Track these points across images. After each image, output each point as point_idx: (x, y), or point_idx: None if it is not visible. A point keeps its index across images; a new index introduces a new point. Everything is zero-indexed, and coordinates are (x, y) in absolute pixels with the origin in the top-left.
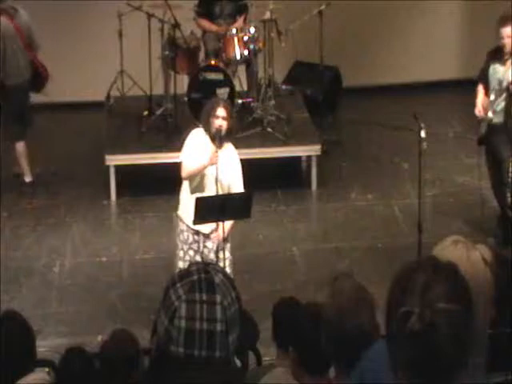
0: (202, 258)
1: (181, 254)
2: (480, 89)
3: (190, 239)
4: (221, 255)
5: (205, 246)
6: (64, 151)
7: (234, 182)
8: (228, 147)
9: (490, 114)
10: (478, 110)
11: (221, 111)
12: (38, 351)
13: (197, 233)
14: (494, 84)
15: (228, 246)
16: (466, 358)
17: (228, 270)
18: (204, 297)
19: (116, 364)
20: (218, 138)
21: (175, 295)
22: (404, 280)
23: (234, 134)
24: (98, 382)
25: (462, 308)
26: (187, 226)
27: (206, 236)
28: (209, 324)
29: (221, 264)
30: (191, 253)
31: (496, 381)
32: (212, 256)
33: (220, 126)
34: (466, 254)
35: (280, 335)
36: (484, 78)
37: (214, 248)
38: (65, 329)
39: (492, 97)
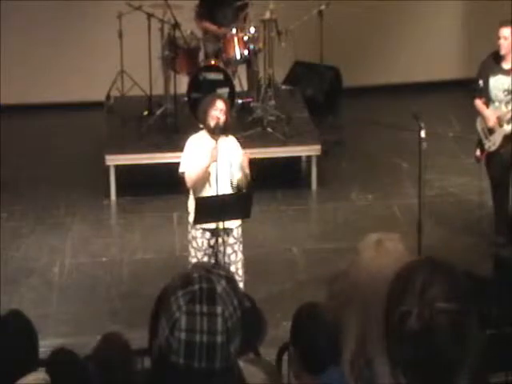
0: (215, 260)
1: (193, 261)
2: (481, 102)
3: (205, 245)
4: (233, 258)
5: (225, 242)
6: (64, 151)
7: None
8: (228, 139)
9: (508, 127)
10: (493, 122)
11: (220, 104)
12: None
13: (212, 234)
14: (499, 96)
15: (240, 246)
16: (465, 357)
17: (240, 271)
18: (204, 309)
19: (108, 367)
20: (217, 130)
21: (176, 305)
22: (403, 280)
23: (231, 130)
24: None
25: (461, 307)
26: (202, 231)
27: (229, 231)
28: (209, 336)
29: (233, 267)
30: (206, 259)
31: (496, 381)
32: (227, 258)
33: (218, 118)
34: (389, 251)
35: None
36: (484, 91)
37: (235, 244)
38: (65, 329)
39: (504, 108)
